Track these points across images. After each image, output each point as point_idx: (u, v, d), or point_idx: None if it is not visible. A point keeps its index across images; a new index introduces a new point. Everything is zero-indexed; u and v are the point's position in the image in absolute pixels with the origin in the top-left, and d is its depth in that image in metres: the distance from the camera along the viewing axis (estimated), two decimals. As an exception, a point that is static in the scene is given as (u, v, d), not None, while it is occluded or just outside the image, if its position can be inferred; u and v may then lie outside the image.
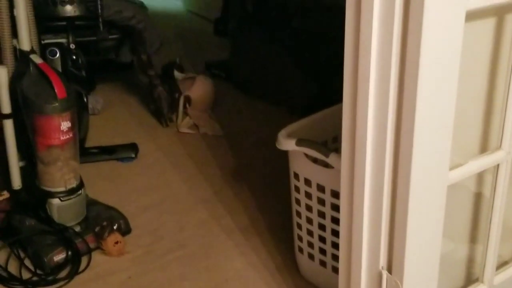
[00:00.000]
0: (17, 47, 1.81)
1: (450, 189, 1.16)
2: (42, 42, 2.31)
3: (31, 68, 1.78)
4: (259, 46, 3.05)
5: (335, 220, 1.50)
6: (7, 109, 1.82)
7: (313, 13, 3.49)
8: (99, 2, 2.38)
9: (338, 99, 1.63)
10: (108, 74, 3.31)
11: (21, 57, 1.82)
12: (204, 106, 2.79)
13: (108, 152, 2.48)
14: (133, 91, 3.27)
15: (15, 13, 1.76)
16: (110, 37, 2.53)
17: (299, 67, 2.90)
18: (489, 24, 1.21)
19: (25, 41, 1.79)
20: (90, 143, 2.59)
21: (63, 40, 2.34)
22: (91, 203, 1.99)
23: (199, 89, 2.78)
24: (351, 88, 1.13)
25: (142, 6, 2.78)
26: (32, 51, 1.82)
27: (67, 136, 1.78)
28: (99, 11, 2.39)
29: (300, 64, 2.92)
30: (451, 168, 1.16)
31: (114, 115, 2.97)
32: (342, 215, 1.28)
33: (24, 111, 1.79)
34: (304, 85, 2.85)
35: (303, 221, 1.64)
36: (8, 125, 1.83)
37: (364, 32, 1.03)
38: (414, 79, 1.00)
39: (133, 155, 2.49)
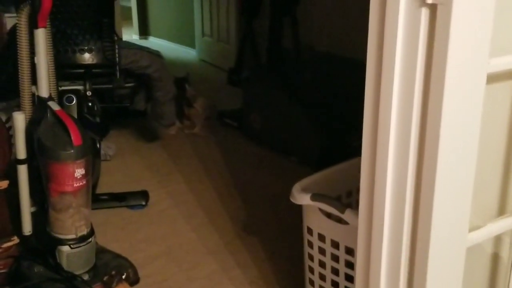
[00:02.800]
0: (36, 94, 1.83)
1: (468, 251, 1.14)
2: (60, 88, 2.35)
3: (48, 114, 1.79)
4: (271, 96, 3.08)
5: (349, 278, 1.47)
6: (22, 154, 1.82)
7: (326, 65, 3.55)
8: (116, 51, 2.42)
9: (350, 151, 1.63)
10: (121, 121, 3.35)
11: (39, 104, 1.84)
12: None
13: (119, 199, 2.48)
14: (145, 138, 3.30)
15: (35, 60, 1.78)
16: (126, 85, 2.56)
17: (311, 118, 2.92)
18: (508, 86, 1.21)
19: (44, 88, 1.81)
20: (101, 189, 2.59)
21: (80, 87, 2.37)
22: (100, 251, 1.97)
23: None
24: (370, 148, 1.13)
25: (158, 55, 2.84)
26: (50, 98, 1.84)
27: (80, 183, 1.78)
28: (117, 59, 2.43)
29: (312, 116, 2.93)
30: (470, 230, 1.14)
31: (126, 161, 2.99)
32: (358, 274, 1.25)
33: (39, 157, 1.79)
34: (316, 136, 2.86)
35: (315, 277, 1.61)
36: (22, 170, 1.84)
37: (384, 103, 1.04)
38: (435, 141, 0.99)
39: (143, 203, 2.48)
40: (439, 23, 0.94)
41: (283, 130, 3.03)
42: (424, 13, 0.96)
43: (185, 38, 5.57)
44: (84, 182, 1.79)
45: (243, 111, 3.31)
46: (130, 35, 5.98)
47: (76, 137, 1.74)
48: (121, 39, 4.53)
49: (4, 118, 2.27)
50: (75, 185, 1.77)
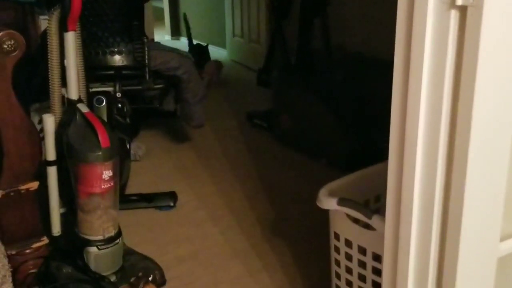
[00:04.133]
0: (65, 96, 1.85)
1: (499, 261, 1.10)
2: (90, 90, 2.37)
3: (77, 116, 1.81)
4: (301, 97, 3.06)
5: (376, 285, 1.44)
6: (51, 156, 1.85)
7: (356, 66, 3.50)
8: (146, 53, 2.44)
9: (379, 153, 1.60)
10: (151, 121, 3.38)
11: (69, 106, 1.86)
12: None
13: (147, 200, 2.49)
14: (175, 138, 3.32)
15: (65, 63, 1.80)
16: (155, 86, 2.58)
17: (341, 120, 2.88)
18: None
19: (74, 91, 1.83)
20: (130, 189, 2.61)
21: (110, 89, 2.39)
22: (127, 252, 1.98)
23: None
24: (397, 152, 1.10)
25: (188, 57, 2.84)
26: (80, 100, 1.86)
27: (108, 185, 1.79)
28: (146, 61, 2.44)
29: (341, 117, 2.90)
30: (502, 239, 1.09)
31: (155, 162, 3.01)
32: (385, 282, 1.22)
33: (68, 159, 1.81)
34: (345, 138, 2.82)
35: (342, 284, 1.58)
36: (52, 172, 1.86)
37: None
38: (465, 144, 0.96)
39: (171, 204, 2.49)
40: (469, 26, 0.90)
41: (313, 131, 3.00)
42: (454, 15, 0.93)
43: (216, 38, 5.59)
44: (112, 183, 1.80)
45: (273, 112, 3.30)
46: (162, 35, 6.03)
47: (104, 139, 1.76)
48: (153, 40, 4.58)
49: (37, 119, 2.32)
50: (103, 186, 1.78)
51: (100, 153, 1.75)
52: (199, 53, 4.56)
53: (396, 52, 1.05)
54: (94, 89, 2.35)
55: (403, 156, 1.09)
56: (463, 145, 0.97)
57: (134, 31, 2.44)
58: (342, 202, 1.46)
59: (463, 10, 0.91)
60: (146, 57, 2.45)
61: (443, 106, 0.98)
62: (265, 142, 3.26)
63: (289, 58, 3.42)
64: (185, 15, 4.98)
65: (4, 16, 3.66)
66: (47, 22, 1.83)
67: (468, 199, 0.99)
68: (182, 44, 5.99)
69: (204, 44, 4.83)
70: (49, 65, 1.82)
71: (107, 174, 1.78)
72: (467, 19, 0.90)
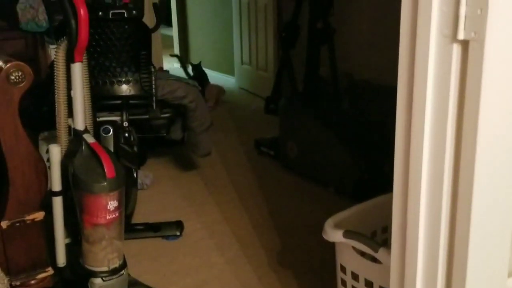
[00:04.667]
0: (72, 126, 1.86)
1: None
2: (97, 119, 2.39)
3: (83, 147, 1.82)
4: (308, 126, 3.06)
5: (384, 320, 1.41)
6: (57, 186, 1.85)
7: (364, 94, 3.50)
8: (153, 82, 2.45)
9: (387, 181, 1.58)
10: (159, 149, 3.39)
11: (75, 136, 1.87)
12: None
13: (154, 229, 2.48)
14: (182, 166, 3.31)
15: (72, 94, 1.82)
16: (162, 115, 2.59)
17: (348, 148, 2.87)
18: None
19: (80, 121, 1.84)
20: (136, 218, 2.60)
21: (117, 118, 2.40)
22: (132, 283, 1.96)
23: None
24: (402, 185, 1.09)
25: (195, 86, 2.86)
26: (86, 130, 1.87)
27: (113, 216, 1.79)
28: (153, 90, 2.46)
29: (349, 145, 2.89)
30: (510, 275, 1.07)
31: (162, 190, 3.00)
32: (391, 318, 1.19)
33: (74, 189, 1.81)
34: (353, 166, 2.80)
35: (349, 317, 1.55)
36: (57, 202, 1.86)
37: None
38: (470, 179, 0.95)
39: (178, 233, 2.47)
40: (472, 60, 0.90)
41: (320, 159, 2.99)
42: (456, 49, 0.92)
43: (225, 66, 5.63)
44: (117, 214, 1.80)
45: (280, 139, 3.29)
46: (171, 63, 6.08)
47: (109, 169, 1.76)
48: (161, 68, 4.62)
49: (45, 148, 2.32)
50: (108, 217, 1.78)
51: (106, 183, 1.75)
52: (198, 77, 4.81)
53: (399, 86, 1.04)
54: (101, 119, 2.36)
55: (408, 189, 1.08)
56: (468, 179, 0.95)
57: (141, 61, 2.46)
58: (348, 234, 1.44)
59: (465, 44, 0.91)
60: (153, 86, 2.47)
61: (446, 139, 0.97)
62: (272, 170, 3.25)
63: (297, 86, 3.43)
64: (177, 55, 5.48)
65: (15, 45, 3.73)
66: (54, 52, 1.85)
67: (474, 235, 0.98)
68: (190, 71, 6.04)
69: (196, 63, 5.14)
70: (56, 95, 1.83)
71: (112, 204, 1.78)
72: (469, 53, 0.90)
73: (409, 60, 1.00)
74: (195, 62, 5.24)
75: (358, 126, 3.02)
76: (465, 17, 0.88)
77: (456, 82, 0.94)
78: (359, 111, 3.23)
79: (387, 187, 1.68)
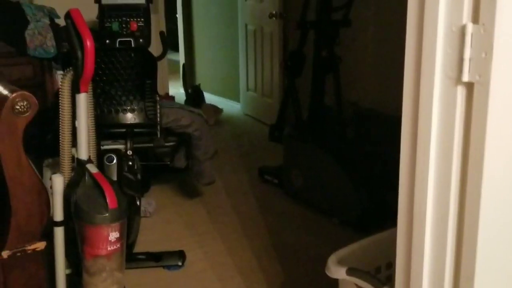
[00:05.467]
0: (75, 156, 1.86)
1: None
2: (102, 147, 2.39)
3: (86, 177, 1.81)
4: (312, 155, 3.04)
5: None
6: (59, 216, 1.84)
7: (369, 123, 3.50)
8: (158, 111, 2.46)
9: (392, 213, 1.55)
10: (162, 176, 3.38)
11: (78, 166, 1.86)
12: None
13: (155, 258, 2.45)
14: (185, 193, 3.30)
15: (76, 124, 1.82)
16: (167, 144, 2.59)
17: (352, 178, 2.85)
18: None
19: (83, 151, 1.84)
20: (139, 247, 2.58)
21: (121, 146, 2.40)
22: (132, 315, 1.94)
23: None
24: (406, 224, 1.07)
25: (199, 114, 2.86)
26: (89, 160, 1.86)
27: (114, 247, 1.77)
28: (158, 119, 2.46)
29: (354, 175, 2.87)
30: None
31: (165, 218, 2.98)
32: None
33: (75, 219, 1.80)
34: (357, 197, 2.78)
35: None
36: (59, 232, 1.85)
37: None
38: (475, 216, 0.93)
39: (179, 263, 2.44)
40: (476, 102, 0.89)
41: (324, 189, 2.97)
42: (460, 91, 0.92)
43: (231, 92, 5.65)
44: (118, 245, 1.78)
45: (284, 168, 3.28)
46: (177, 88, 6.11)
47: (111, 200, 1.75)
48: (167, 94, 4.64)
49: (49, 174, 2.32)
50: (109, 248, 1.76)
51: (107, 214, 1.74)
52: (194, 96, 5.08)
53: (403, 126, 1.03)
54: (105, 147, 2.36)
55: (412, 227, 1.06)
56: (473, 218, 0.94)
57: (146, 89, 2.47)
58: (351, 271, 1.42)
59: (469, 86, 0.90)
60: (158, 114, 2.47)
61: (451, 180, 0.96)
62: (276, 199, 3.23)
63: (301, 115, 3.43)
64: (184, 66, 5.47)
65: (23, 70, 3.76)
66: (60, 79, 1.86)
67: (479, 274, 0.96)
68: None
69: (196, 84, 5.39)
70: (60, 126, 1.83)
71: (113, 235, 1.76)
72: (474, 95, 0.89)
73: (414, 101, 1.00)
74: (201, 88, 5.33)
75: (363, 156, 3.01)
76: (470, 59, 0.88)
77: (461, 124, 0.93)
78: (364, 140, 3.23)
79: (393, 219, 1.66)
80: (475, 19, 0.87)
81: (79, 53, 1.76)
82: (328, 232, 2.78)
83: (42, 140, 2.65)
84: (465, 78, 0.89)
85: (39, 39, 3.61)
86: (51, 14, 3.62)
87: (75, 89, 1.81)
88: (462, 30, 0.88)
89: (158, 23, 4.46)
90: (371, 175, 2.86)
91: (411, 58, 0.99)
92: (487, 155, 0.90)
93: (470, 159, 0.93)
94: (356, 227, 2.74)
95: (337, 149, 3.01)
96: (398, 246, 1.12)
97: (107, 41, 2.53)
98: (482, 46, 0.86)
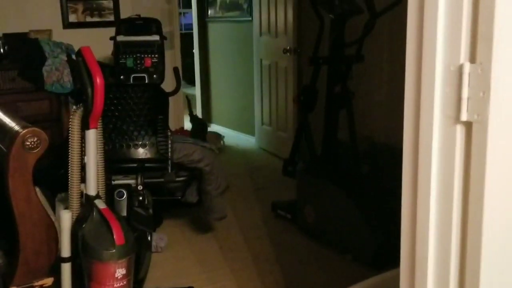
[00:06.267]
0: (84, 192, 1.87)
1: None
2: (112, 182, 2.40)
3: (94, 213, 1.82)
4: (326, 190, 3.02)
5: None
6: (66, 252, 1.84)
7: (383, 158, 3.47)
8: (169, 146, 2.47)
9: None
10: (174, 211, 3.37)
11: (86, 202, 1.87)
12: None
13: (165, 295, 2.43)
14: (197, 228, 3.28)
15: (85, 160, 1.84)
16: (178, 179, 2.59)
17: (367, 214, 2.81)
18: None
19: (92, 187, 1.85)
20: (149, 282, 2.56)
21: (132, 181, 2.41)
22: None
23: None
24: (408, 268, 1.04)
25: (211, 149, 2.87)
26: (97, 196, 1.87)
27: (121, 284, 1.76)
28: (169, 154, 2.47)
29: (367, 211, 2.83)
30: None
31: (177, 253, 2.96)
32: None
33: (82, 255, 1.80)
34: (371, 233, 2.73)
35: None
36: (66, 268, 1.85)
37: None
38: (476, 261, 0.91)
39: (189, 300, 2.42)
40: (475, 141, 0.88)
41: (338, 225, 2.93)
42: (459, 130, 0.90)
43: (245, 126, 5.67)
44: (125, 282, 1.77)
45: (297, 203, 3.25)
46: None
47: (118, 236, 1.75)
48: (182, 128, 4.67)
49: (62, 208, 2.33)
50: (115, 285, 1.75)
51: (114, 250, 1.74)
52: (200, 127, 5.16)
53: (404, 165, 1.02)
54: (115, 182, 2.37)
55: (415, 269, 1.04)
56: (474, 258, 0.92)
57: (158, 124, 2.49)
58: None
59: (468, 125, 0.89)
60: (169, 150, 2.48)
61: (452, 222, 0.94)
62: (289, 234, 3.19)
63: (315, 150, 3.42)
64: (187, 96, 5.64)
65: (40, 105, 3.83)
66: (70, 118, 1.88)
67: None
68: (213, 129, 6.11)
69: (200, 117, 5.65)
70: (70, 162, 1.85)
71: (120, 272, 1.75)
72: (472, 134, 0.88)
73: (414, 139, 0.99)
74: (216, 121, 5.40)
75: (378, 192, 2.97)
76: (468, 99, 0.87)
77: (461, 162, 0.92)
78: (378, 176, 3.19)
79: None
80: (473, 59, 0.86)
81: (89, 90, 1.79)
82: (341, 269, 2.73)
83: (56, 174, 2.67)
84: (464, 117, 0.88)
85: (56, 75, 3.69)
86: (69, 50, 3.71)
87: (84, 125, 1.83)
88: (460, 69, 0.87)
89: (174, 58, 4.53)
90: (386, 211, 2.81)
91: (411, 96, 0.98)
92: (487, 193, 0.88)
93: (470, 197, 0.91)
94: (370, 265, 2.69)
95: (351, 185, 2.98)
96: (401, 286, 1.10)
97: (121, 76, 2.57)
98: (480, 85, 0.85)
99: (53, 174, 2.67)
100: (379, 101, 3.77)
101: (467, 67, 0.86)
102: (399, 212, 2.73)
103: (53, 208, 2.21)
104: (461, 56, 0.87)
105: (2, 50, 3.86)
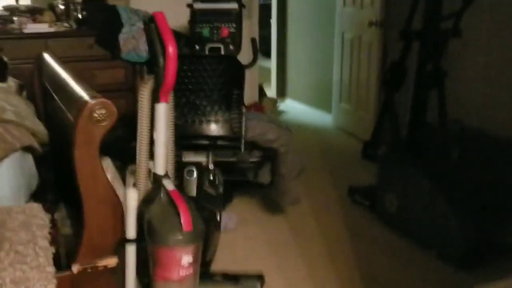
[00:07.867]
0: (152, 170, 1.74)
1: None
2: (183, 160, 2.27)
3: (162, 194, 1.69)
4: (410, 178, 2.75)
5: None
6: (131, 233, 1.72)
7: (476, 144, 3.15)
8: (243, 123, 2.30)
9: (503, 250, 1.27)
10: (245, 190, 3.22)
11: (155, 181, 1.74)
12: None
13: (232, 280, 2.29)
14: (269, 209, 3.12)
15: (154, 136, 1.70)
16: (250, 160, 2.42)
17: (456, 205, 2.54)
18: None
19: (161, 166, 1.71)
20: (216, 264, 2.43)
21: (203, 159, 2.27)
22: None
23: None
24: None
25: (287, 129, 2.67)
26: (166, 175, 1.73)
27: (187, 272, 1.62)
28: (243, 132, 2.30)
29: (457, 203, 2.55)
30: None
31: (246, 235, 2.82)
32: None
33: (147, 238, 1.68)
34: (461, 230, 2.46)
35: None
36: (131, 250, 1.73)
37: None
38: None
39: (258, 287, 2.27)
40: None
41: (423, 217, 2.67)
42: None
43: (322, 102, 5.43)
44: (191, 271, 1.63)
45: (377, 190, 3.01)
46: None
47: (186, 222, 1.60)
48: (256, 103, 4.51)
49: (132, 181, 2.23)
50: (181, 273, 1.62)
51: (181, 237, 1.60)
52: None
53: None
54: (186, 159, 2.24)
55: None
56: None
57: (233, 100, 2.32)
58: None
59: None
60: (243, 127, 2.31)
61: None
62: (367, 223, 2.97)
63: (400, 133, 3.15)
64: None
65: (115, 74, 3.78)
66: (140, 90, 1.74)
67: None
68: (286, 105, 5.91)
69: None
70: (138, 137, 1.72)
71: (186, 260, 1.62)
72: None
73: None
74: (291, 96, 5.21)
75: (469, 182, 2.68)
76: None
77: None
78: (470, 165, 2.89)
79: (503, 256, 1.36)
80: None
81: (161, 60, 1.63)
82: (424, 266, 2.48)
83: (127, 145, 2.58)
84: None
85: (133, 43, 3.60)
86: (146, 18, 3.60)
87: (155, 99, 1.68)
88: None
89: (250, 29, 4.34)
90: (479, 205, 2.52)
91: None
92: None
93: None
94: (457, 264, 2.43)
95: (439, 173, 2.70)
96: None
97: (197, 46, 2.43)
98: None
99: (124, 146, 2.59)
100: (474, 82, 3.42)
101: None
102: (496, 206, 2.41)
103: (124, 181, 2.11)
104: None
105: (80, 16, 3.83)
